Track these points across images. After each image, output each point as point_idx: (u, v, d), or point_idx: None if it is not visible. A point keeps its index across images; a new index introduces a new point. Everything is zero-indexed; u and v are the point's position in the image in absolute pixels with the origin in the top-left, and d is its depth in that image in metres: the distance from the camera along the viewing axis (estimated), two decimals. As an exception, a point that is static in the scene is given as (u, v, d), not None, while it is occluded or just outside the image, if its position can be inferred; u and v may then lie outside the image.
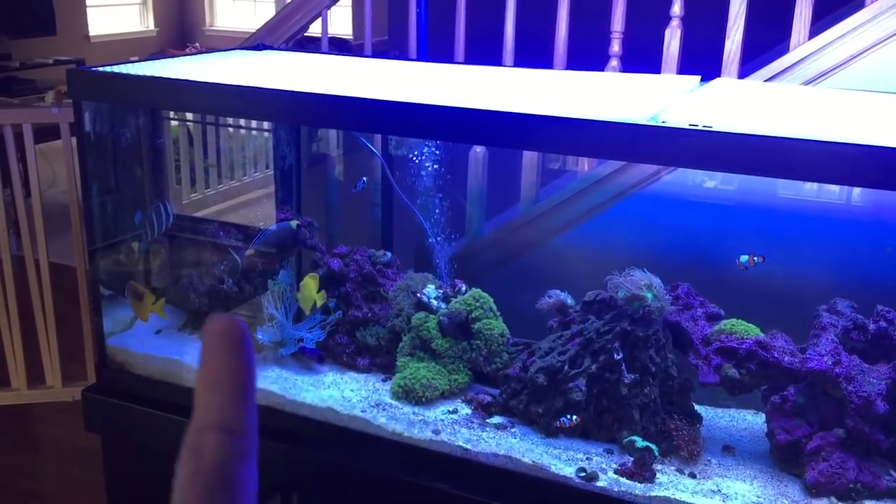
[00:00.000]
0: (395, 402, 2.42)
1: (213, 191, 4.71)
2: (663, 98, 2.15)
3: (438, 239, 2.78)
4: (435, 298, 2.53)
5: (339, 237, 3.02)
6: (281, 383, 2.50)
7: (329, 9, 3.60)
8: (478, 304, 2.47)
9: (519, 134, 1.91)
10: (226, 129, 4.59)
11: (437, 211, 2.80)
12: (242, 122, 4.57)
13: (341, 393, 2.47)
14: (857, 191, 2.57)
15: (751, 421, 2.46)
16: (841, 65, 2.61)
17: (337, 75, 2.60)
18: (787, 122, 1.97)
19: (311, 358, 2.58)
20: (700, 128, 1.82)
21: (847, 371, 2.07)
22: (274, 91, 2.21)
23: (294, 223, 2.57)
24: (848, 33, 2.61)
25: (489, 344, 2.43)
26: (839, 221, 2.60)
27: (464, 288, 2.55)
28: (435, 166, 2.78)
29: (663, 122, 1.87)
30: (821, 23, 2.72)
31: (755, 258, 2.27)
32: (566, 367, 2.27)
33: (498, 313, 2.50)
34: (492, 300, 2.50)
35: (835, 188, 2.62)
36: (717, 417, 2.47)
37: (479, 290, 2.51)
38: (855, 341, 2.18)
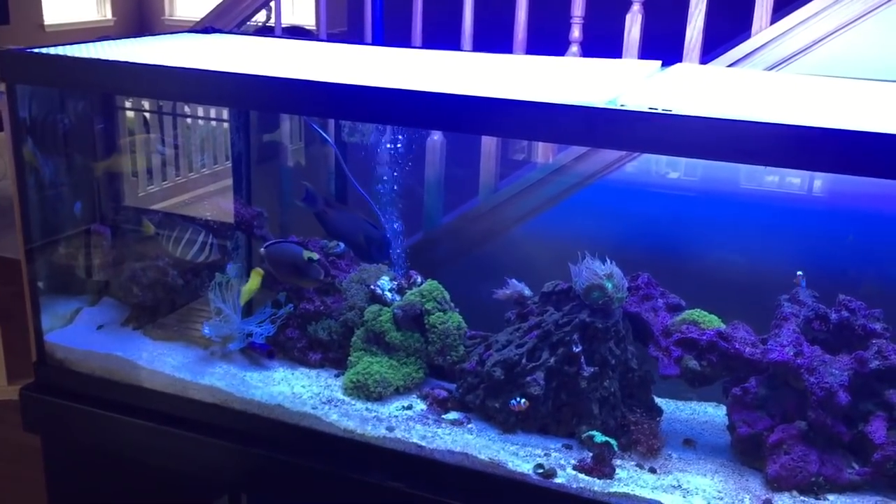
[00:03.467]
0: (347, 399, 2.33)
1: (170, 183, 4.56)
2: (622, 82, 2.08)
3: (394, 229, 2.69)
4: (389, 291, 2.44)
5: (292, 228, 2.92)
6: (229, 379, 2.40)
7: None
8: (433, 296, 2.39)
9: (474, 118, 1.83)
10: (183, 120, 4.45)
11: (392, 200, 2.71)
12: (201, 111, 4.43)
13: (292, 389, 2.37)
14: (817, 181, 2.53)
15: (712, 414, 2.41)
16: (803, 50, 2.57)
17: (289, 59, 2.50)
18: (748, 107, 1.91)
19: (260, 353, 2.48)
20: (659, 111, 1.75)
21: (809, 362, 2.02)
22: (220, 74, 2.10)
23: (308, 254, 2.41)
24: (810, 18, 2.57)
25: (445, 337, 2.35)
26: (799, 211, 2.56)
27: (419, 280, 2.47)
28: (390, 154, 2.69)
29: (622, 105, 1.80)
30: (784, 9, 2.67)
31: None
32: (524, 361, 2.20)
33: (454, 306, 2.42)
34: (447, 292, 2.42)
35: (795, 178, 2.58)
36: (678, 410, 2.41)
37: (434, 281, 2.43)
38: (817, 331, 2.14)
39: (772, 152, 1.62)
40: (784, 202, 2.65)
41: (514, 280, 2.32)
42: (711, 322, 2.19)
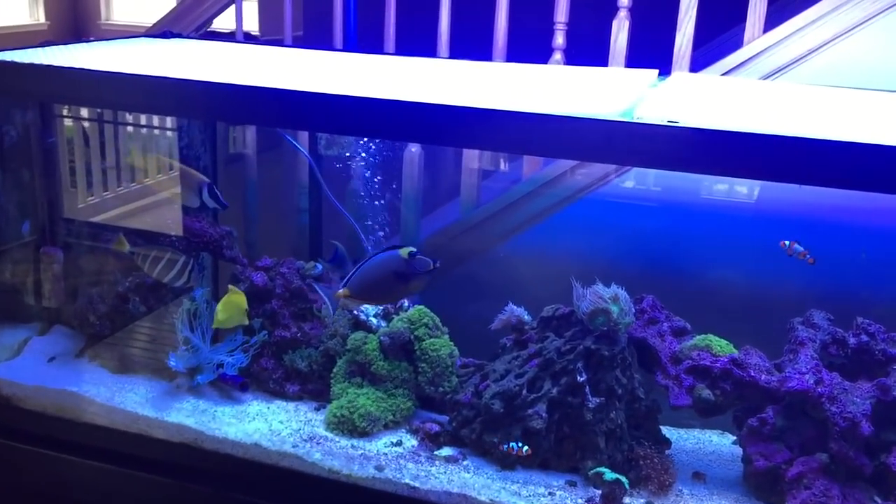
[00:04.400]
0: (331, 435, 2.14)
1: (111, 194, 4.29)
2: (631, 93, 1.94)
3: (374, 248, 2.51)
4: (374, 316, 2.26)
5: (263, 248, 2.72)
6: (198, 416, 2.19)
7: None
8: (422, 321, 2.21)
9: (481, 131, 1.66)
10: (125, 128, 4.19)
11: (372, 217, 2.53)
12: (143, 119, 4.18)
13: (269, 425, 2.17)
14: (823, 196, 2.43)
15: (717, 443, 2.29)
16: (799, 59, 2.48)
17: (256, 66, 2.30)
18: (772, 120, 1.78)
19: (232, 386, 2.27)
20: (680, 124, 1.61)
21: (829, 390, 1.90)
22: (187, 82, 1.89)
23: (406, 250, 2.01)
24: (806, 26, 2.48)
25: (436, 366, 2.18)
26: (800, 225, 2.46)
27: (406, 304, 2.29)
28: (370, 168, 2.51)
29: (638, 118, 1.66)
30: (776, 15, 2.58)
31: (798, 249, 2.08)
32: (524, 392, 2.04)
33: (445, 331, 2.25)
34: (437, 317, 2.25)
35: (796, 192, 2.48)
36: (682, 440, 2.28)
37: (422, 306, 2.25)
38: (833, 356, 2.03)
39: (808, 169, 1.49)
40: (779, 216, 2.55)
41: (511, 305, 2.16)
42: (723, 348, 2.06)
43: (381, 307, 2.28)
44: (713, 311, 2.42)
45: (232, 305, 2.20)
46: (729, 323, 2.41)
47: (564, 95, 2.00)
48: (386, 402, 2.17)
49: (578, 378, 2.01)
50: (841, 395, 1.91)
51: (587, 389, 2.01)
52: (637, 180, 2.70)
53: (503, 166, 2.98)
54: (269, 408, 2.25)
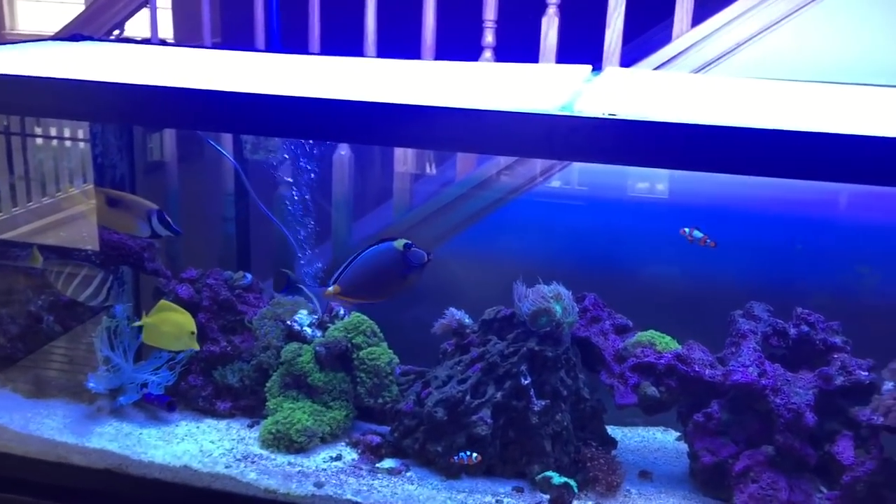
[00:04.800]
0: (266, 453, 2.03)
1: (22, 209, 4.06)
2: (567, 88, 1.90)
3: (307, 255, 2.41)
4: (309, 326, 2.17)
5: (188, 259, 2.58)
6: (121, 440, 2.06)
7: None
8: (360, 329, 2.13)
9: (419, 129, 1.59)
10: (34, 140, 3.97)
11: (302, 223, 2.43)
12: (54, 130, 3.97)
13: (199, 446, 2.05)
14: (751, 188, 2.44)
15: (662, 440, 2.27)
16: (728, 52, 2.49)
17: (174, 67, 2.18)
18: (705, 111, 1.76)
19: (158, 406, 2.14)
20: (619, 117, 1.57)
21: (773, 382, 1.89)
22: (100, 84, 1.77)
23: (400, 242, 1.88)
24: (733, 20, 2.49)
25: (375, 375, 2.10)
26: (734, 218, 2.47)
27: (342, 312, 2.20)
28: (299, 172, 2.41)
29: (578, 111, 1.61)
30: (704, 9, 2.59)
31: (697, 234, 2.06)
32: (468, 398, 1.98)
33: (383, 339, 2.17)
34: (375, 325, 2.17)
35: (728, 185, 2.49)
36: (627, 439, 2.25)
37: (359, 314, 2.17)
38: (775, 348, 2.02)
39: (756, 160, 1.46)
40: (716, 210, 2.55)
41: (451, 308, 2.10)
42: (667, 344, 2.04)
43: (316, 316, 2.19)
44: (652, 307, 2.41)
45: (174, 326, 2.05)
46: (668, 318, 2.40)
47: (499, 91, 1.95)
48: (323, 415, 2.08)
49: (523, 381, 1.96)
50: (784, 386, 1.90)
51: (532, 392, 1.96)
52: (569, 179, 2.68)
53: (435, 169, 2.92)
54: (198, 427, 2.13)
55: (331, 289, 1.87)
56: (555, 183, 2.67)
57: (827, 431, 1.92)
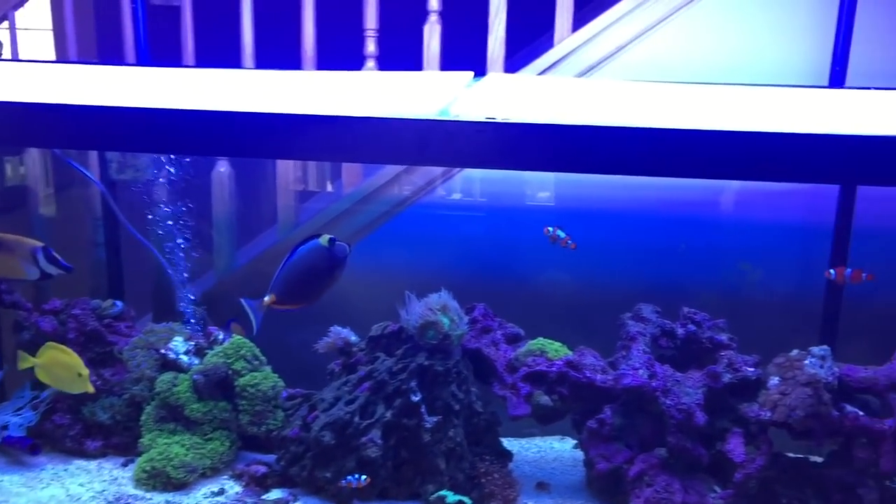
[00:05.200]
0: (142, 492, 1.89)
1: None
2: (446, 94, 1.85)
3: (182, 279, 2.28)
4: (185, 353, 2.04)
5: (51, 289, 2.41)
6: (-22, 490, 1.88)
7: (16, 10, 2.93)
8: (240, 354, 2.01)
9: (290, 139, 1.50)
10: None
11: (177, 245, 2.30)
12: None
13: (66, 490, 1.89)
14: (636, 190, 2.45)
15: (559, 449, 2.23)
16: (610, 56, 2.50)
17: (34, 82, 2.02)
18: (587, 113, 1.74)
19: (20, 449, 1.97)
20: (499, 120, 1.53)
21: (663, 383, 1.88)
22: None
23: (325, 237, 1.82)
24: (612, 24, 2.50)
25: (258, 402, 1.98)
26: (620, 220, 2.47)
27: (221, 336, 2.08)
28: (173, 191, 2.28)
29: (455, 116, 1.56)
30: (587, 15, 2.60)
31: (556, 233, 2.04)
32: (356, 419, 1.89)
33: (266, 362, 2.06)
34: (257, 348, 2.06)
35: (612, 189, 2.49)
36: (524, 450, 2.21)
37: (239, 337, 2.05)
38: (664, 349, 2.02)
39: (631, 158, 1.44)
40: (604, 215, 2.55)
41: (336, 326, 2.01)
42: (558, 351, 2.00)
43: (193, 343, 2.06)
44: (545, 314, 2.38)
45: (63, 368, 1.88)
46: (561, 324, 2.37)
47: (377, 99, 1.88)
48: (203, 448, 1.95)
49: (413, 398, 1.88)
50: (674, 386, 1.89)
51: (423, 409, 1.89)
52: (460, 189, 2.63)
53: (323, 183, 2.82)
54: (66, 470, 1.97)
55: (267, 298, 1.80)
56: (440, 191, 2.62)
57: (718, 430, 1.92)
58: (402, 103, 1.74)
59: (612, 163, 1.51)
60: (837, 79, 2.30)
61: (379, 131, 1.52)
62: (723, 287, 2.34)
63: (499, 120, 1.51)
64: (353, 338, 2.00)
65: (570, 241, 2.05)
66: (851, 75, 2.29)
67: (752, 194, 2.39)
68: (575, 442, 2.18)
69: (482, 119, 1.51)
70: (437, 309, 1.90)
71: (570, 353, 2.00)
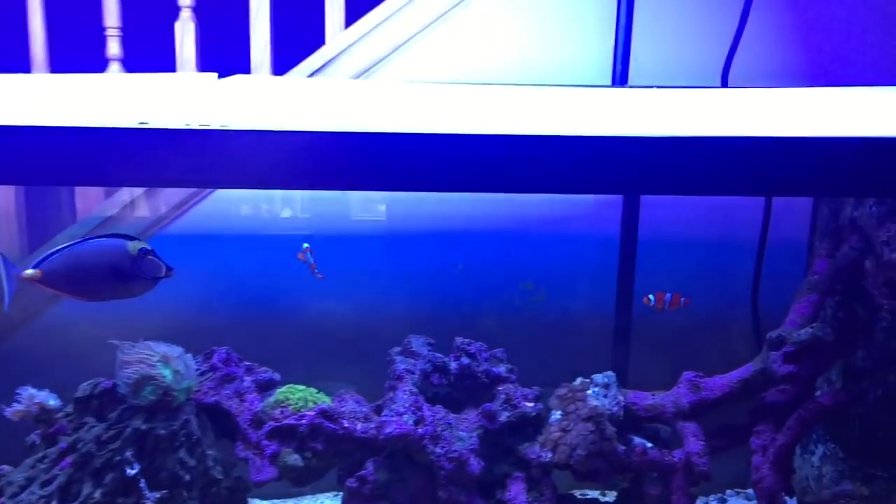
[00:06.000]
0: None
1: None
2: (151, 98, 1.52)
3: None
4: None
5: None
6: None
7: None
8: None
9: None
10: None
11: None
12: None
13: None
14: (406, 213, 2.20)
15: (331, 507, 1.94)
16: (387, 56, 2.24)
17: None
18: (326, 117, 1.46)
19: None
20: (215, 127, 1.22)
21: (432, 429, 1.63)
22: None
23: (136, 245, 1.51)
24: (383, 22, 2.25)
25: (-70, 490, 1.56)
26: (391, 242, 2.21)
27: None
28: None
29: (141, 122, 1.24)
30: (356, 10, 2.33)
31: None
32: (54, 504, 1.51)
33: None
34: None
35: (381, 208, 2.22)
36: (288, 513, 1.90)
37: None
38: (437, 386, 1.76)
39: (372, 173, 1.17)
40: (380, 236, 2.28)
41: (29, 388, 1.61)
42: (314, 398, 1.71)
43: None
44: (319, 350, 2.09)
45: None
46: (335, 360, 2.09)
47: (79, 106, 1.52)
48: None
49: (128, 471, 1.53)
50: (445, 431, 1.64)
51: (142, 484, 1.54)
52: (212, 212, 2.27)
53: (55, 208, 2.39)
54: None
55: (30, 271, 1.47)
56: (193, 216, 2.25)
57: (498, 476, 1.69)
58: (98, 112, 1.40)
59: (331, 175, 1.23)
60: (621, 78, 2.15)
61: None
62: (506, 309, 2.13)
63: (151, 126, 1.20)
64: (53, 402, 1.61)
65: (316, 270, 1.77)
66: (634, 74, 2.15)
67: (535, 206, 2.19)
68: (349, 497, 1.89)
69: (181, 126, 1.19)
70: (157, 360, 1.56)
71: (327, 399, 1.71)
